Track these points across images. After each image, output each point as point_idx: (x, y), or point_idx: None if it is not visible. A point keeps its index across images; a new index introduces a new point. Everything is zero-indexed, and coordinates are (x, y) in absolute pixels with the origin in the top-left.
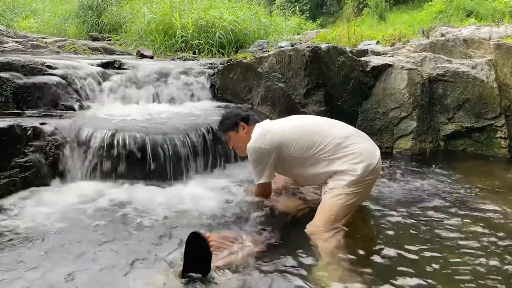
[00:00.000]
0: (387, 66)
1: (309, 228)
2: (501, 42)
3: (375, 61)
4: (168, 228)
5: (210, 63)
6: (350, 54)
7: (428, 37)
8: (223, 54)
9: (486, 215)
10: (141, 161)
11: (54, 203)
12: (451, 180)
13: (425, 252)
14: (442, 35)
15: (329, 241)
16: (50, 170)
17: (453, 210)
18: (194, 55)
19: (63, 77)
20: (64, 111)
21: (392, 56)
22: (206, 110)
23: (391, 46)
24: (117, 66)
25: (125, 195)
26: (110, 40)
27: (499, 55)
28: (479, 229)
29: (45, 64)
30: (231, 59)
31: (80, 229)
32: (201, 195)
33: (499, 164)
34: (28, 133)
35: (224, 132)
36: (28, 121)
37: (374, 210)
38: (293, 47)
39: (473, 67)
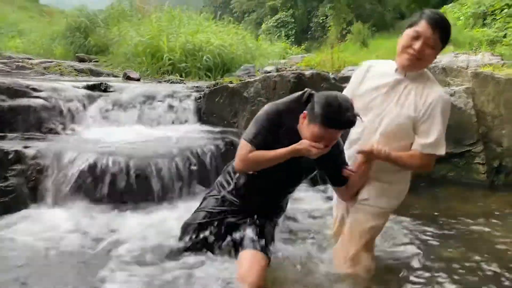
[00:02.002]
0: None
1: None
2: (478, 71)
3: None
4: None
5: (197, 87)
6: (333, 81)
7: None
8: (210, 78)
9: (466, 239)
10: (124, 186)
11: (31, 230)
12: (432, 206)
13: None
14: None
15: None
16: (31, 195)
17: (435, 235)
18: (181, 78)
19: (47, 99)
20: (48, 134)
21: None
22: (191, 134)
23: None
24: (103, 88)
25: (105, 221)
26: (97, 61)
27: (477, 84)
28: (460, 254)
29: (30, 87)
30: (217, 83)
31: (54, 259)
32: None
33: (478, 190)
34: (10, 156)
35: (442, 36)
36: (11, 144)
37: None
38: (278, 73)
39: (451, 95)
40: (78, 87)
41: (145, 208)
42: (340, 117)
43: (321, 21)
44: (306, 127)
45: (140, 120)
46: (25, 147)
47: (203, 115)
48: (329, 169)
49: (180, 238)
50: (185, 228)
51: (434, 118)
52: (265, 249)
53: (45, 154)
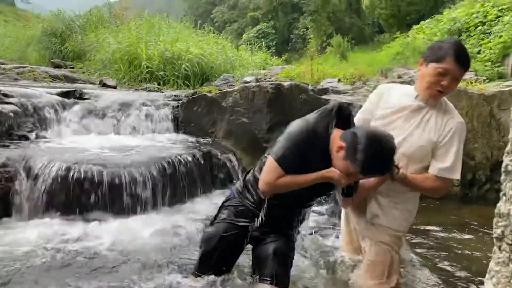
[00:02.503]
0: None
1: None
2: None
3: (335, 99)
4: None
5: (175, 95)
6: (311, 92)
7: (386, 77)
8: (188, 86)
9: (439, 249)
10: (97, 195)
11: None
12: None
13: None
14: (399, 76)
15: None
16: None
17: (409, 244)
18: (159, 86)
19: (19, 105)
20: (19, 141)
21: (352, 95)
22: (168, 143)
23: (351, 85)
24: (77, 95)
25: (78, 231)
26: (73, 67)
27: (450, 99)
28: (432, 263)
29: (1, 92)
30: (196, 92)
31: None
32: (157, 231)
33: (452, 203)
34: None
35: (466, 71)
36: None
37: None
38: (256, 84)
39: None
40: (52, 94)
41: (118, 218)
42: (381, 168)
43: (301, 33)
44: (341, 160)
45: (115, 128)
46: None
47: (181, 124)
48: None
49: (203, 250)
50: (207, 241)
51: (452, 143)
52: (282, 281)
53: (15, 162)
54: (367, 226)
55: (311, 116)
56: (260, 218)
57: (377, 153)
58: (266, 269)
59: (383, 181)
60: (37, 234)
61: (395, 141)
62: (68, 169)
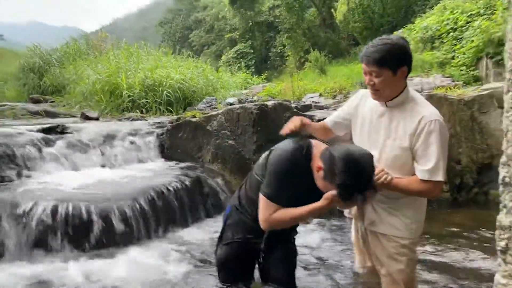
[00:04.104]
0: None
1: None
2: (432, 93)
3: (319, 115)
4: None
5: (159, 122)
6: (295, 110)
7: (366, 89)
8: (171, 112)
9: (434, 254)
10: (87, 232)
11: None
12: None
13: None
14: None
15: None
16: None
17: None
18: (142, 114)
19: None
20: (1, 183)
21: (335, 109)
22: (155, 171)
23: (332, 99)
24: (59, 130)
25: (71, 270)
26: (53, 102)
27: (432, 104)
28: (427, 269)
29: None
30: (179, 118)
31: None
32: (151, 263)
33: (443, 208)
34: None
35: (380, 65)
36: None
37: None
38: (241, 105)
39: None
40: (33, 131)
41: (111, 252)
42: (360, 191)
43: (279, 51)
44: (322, 180)
45: (100, 161)
46: None
47: (167, 151)
48: None
49: (223, 274)
50: (223, 263)
51: (429, 143)
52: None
53: None
54: (372, 237)
55: (288, 144)
56: (263, 241)
57: (355, 176)
58: (277, 279)
59: None
60: (25, 276)
61: (374, 156)
62: (54, 208)
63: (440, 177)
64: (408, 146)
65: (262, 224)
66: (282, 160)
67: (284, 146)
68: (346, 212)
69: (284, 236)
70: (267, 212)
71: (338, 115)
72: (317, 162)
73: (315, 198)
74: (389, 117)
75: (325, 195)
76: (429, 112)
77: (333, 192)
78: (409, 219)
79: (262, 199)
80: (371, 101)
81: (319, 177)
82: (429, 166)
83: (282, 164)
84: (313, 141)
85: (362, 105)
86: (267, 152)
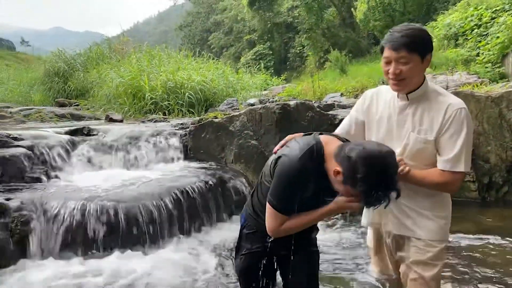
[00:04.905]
0: None
1: None
2: (458, 90)
3: (342, 114)
4: None
5: (181, 124)
6: (318, 109)
7: None
8: (193, 114)
9: (467, 256)
10: (115, 231)
11: None
12: None
13: None
14: None
15: None
16: (17, 249)
17: None
18: (164, 116)
19: (29, 148)
20: (31, 184)
21: None
22: (179, 172)
23: (354, 98)
24: (85, 132)
25: (101, 269)
26: (77, 105)
27: None
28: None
29: (11, 136)
30: (202, 119)
31: None
32: (178, 261)
33: (472, 208)
34: None
35: (410, 50)
36: None
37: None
38: (263, 105)
39: None
40: (60, 133)
41: (139, 251)
42: (384, 192)
43: (298, 51)
44: (341, 184)
45: (126, 162)
46: (8, 199)
47: (190, 152)
48: None
49: (244, 285)
50: (245, 274)
51: (455, 130)
52: None
53: (30, 205)
54: (402, 242)
55: (296, 149)
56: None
57: (379, 179)
58: (299, 283)
59: None
60: (56, 275)
61: (396, 152)
62: (82, 208)
63: (461, 167)
64: (433, 138)
65: (270, 233)
66: (290, 171)
67: (291, 152)
68: (363, 221)
69: (304, 240)
70: (275, 223)
71: (349, 123)
72: (333, 165)
73: (326, 196)
74: (412, 110)
75: (336, 199)
76: (455, 100)
77: (344, 198)
78: (443, 219)
79: (269, 209)
80: (384, 98)
81: (337, 182)
82: (451, 155)
83: (290, 175)
84: (323, 138)
85: (375, 104)
86: (273, 158)
